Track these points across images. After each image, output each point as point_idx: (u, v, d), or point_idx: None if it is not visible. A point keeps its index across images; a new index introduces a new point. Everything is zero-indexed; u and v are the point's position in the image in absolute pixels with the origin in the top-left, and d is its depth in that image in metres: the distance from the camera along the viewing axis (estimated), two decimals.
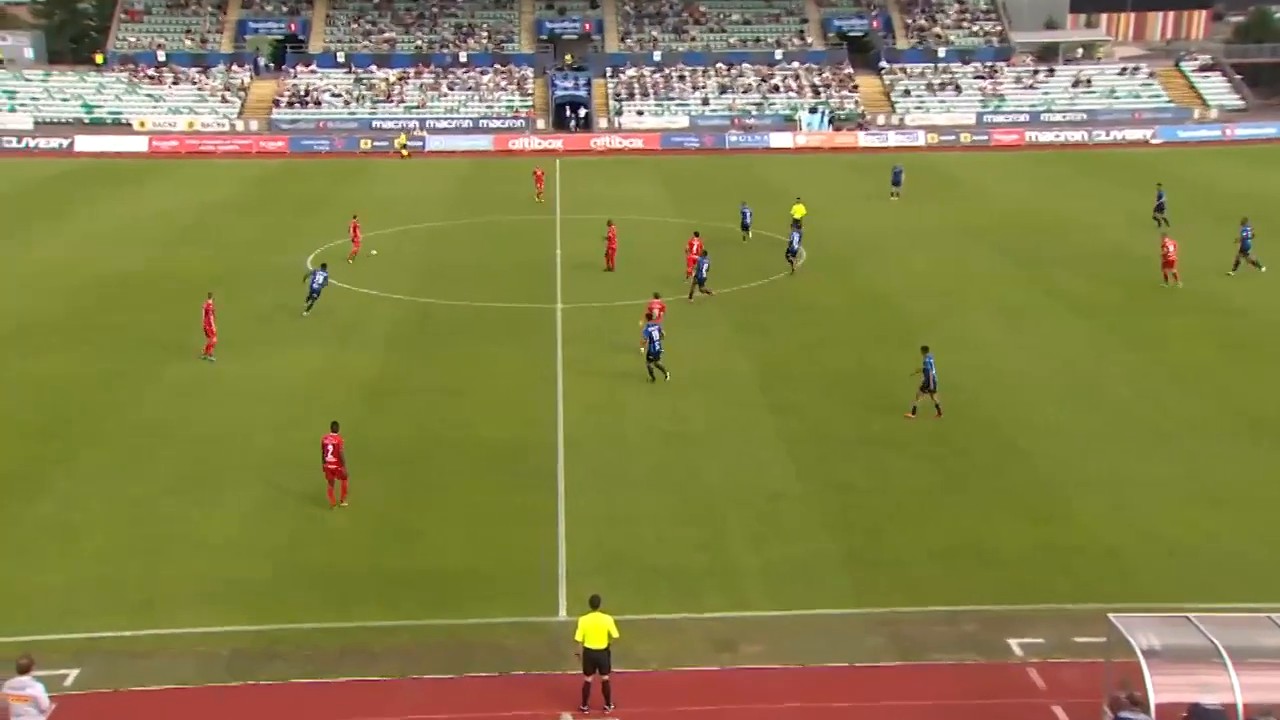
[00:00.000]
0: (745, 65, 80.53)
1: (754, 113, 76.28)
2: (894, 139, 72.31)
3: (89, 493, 19.72)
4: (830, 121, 74.58)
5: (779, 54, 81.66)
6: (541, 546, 18.06)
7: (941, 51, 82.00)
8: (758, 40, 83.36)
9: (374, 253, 39.05)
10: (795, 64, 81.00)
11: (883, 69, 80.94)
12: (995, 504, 19.53)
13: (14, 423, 22.95)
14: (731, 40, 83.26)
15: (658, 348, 25.63)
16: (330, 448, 19.41)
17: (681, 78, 79.40)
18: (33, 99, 74.00)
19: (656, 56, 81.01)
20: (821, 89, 78.81)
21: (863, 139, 72.32)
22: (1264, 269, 35.03)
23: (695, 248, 37.75)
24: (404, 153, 67.08)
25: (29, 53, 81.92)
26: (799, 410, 24.13)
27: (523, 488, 20.18)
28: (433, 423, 23.37)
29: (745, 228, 42.42)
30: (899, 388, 25.42)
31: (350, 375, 26.15)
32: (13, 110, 72.62)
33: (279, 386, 25.47)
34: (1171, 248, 34.16)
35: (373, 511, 19.25)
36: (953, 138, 72.39)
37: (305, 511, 19.14)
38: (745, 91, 78.41)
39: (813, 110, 75.83)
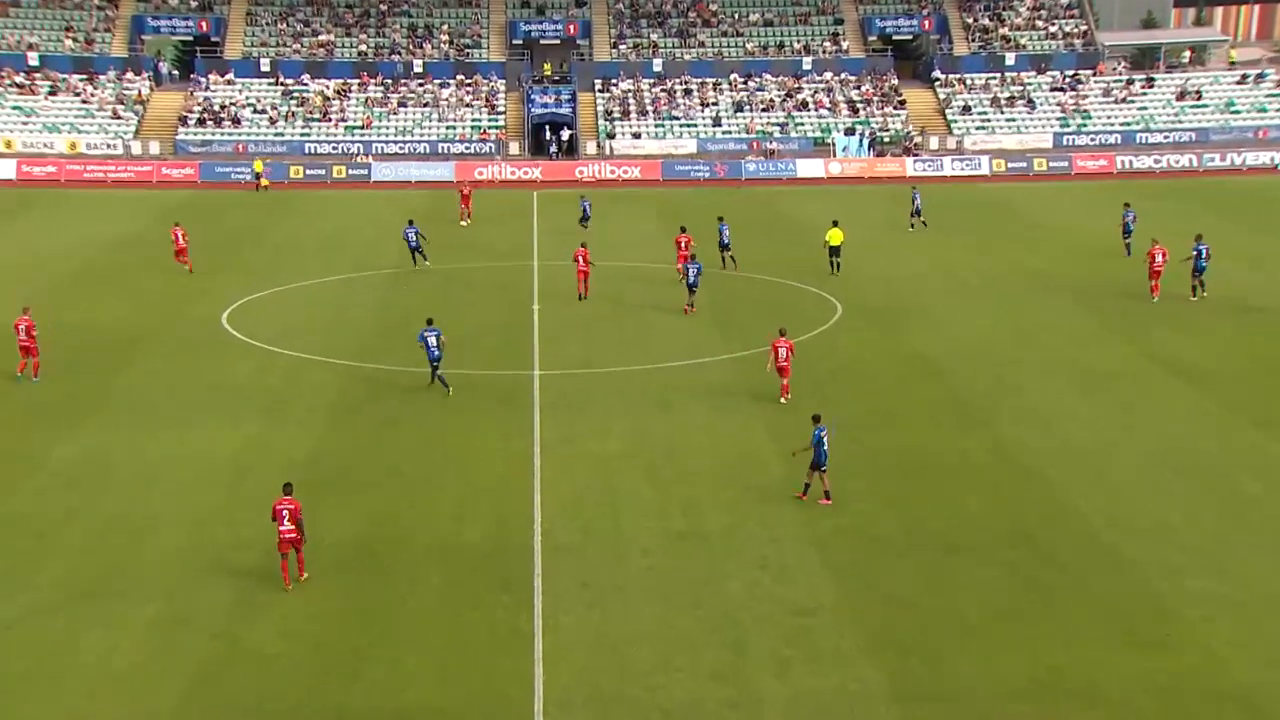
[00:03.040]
0: (766, 76, 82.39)
1: (777, 135, 77.89)
2: (950, 166, 73.81)
3: None
4: (871, 145, 76.15)
5: (808, 63, 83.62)
6: (515, 676, 18.34)
7: (1011, 58, 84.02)
8: (782, 46, 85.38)
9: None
10: (828, 75, 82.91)
11: (936, 80, 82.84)
12: (1089, 624, 19.78)
13: None
14: (749, 46, 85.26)
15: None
16: (286, 514, 20.29)
17: (688, 92, 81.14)
18: None
19: (657, 66, 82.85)
20: (860, 105, 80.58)
21: (911, 166, 73.78)
22: None
23: (686, 244, 42.91)
24: (263, 183, 67.68)
25: None
26: (836, 504, 24.51)
27: (493, 601, 20.48)
28: (383, 519, 23.75)
29: (724, 248, 45.35)
30: (962, 475, 25.91)
31: (282, 458, 26.61)
32: None
33: (191, 471, 25.90)
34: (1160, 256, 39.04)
35: (309, 631, 19.54)
36: (1023, 165, 73.92)
37: (219, 632, 19.43)
38: (766, 109, 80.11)
39: (849, 132, 77.48)
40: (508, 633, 19.56)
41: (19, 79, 78.11)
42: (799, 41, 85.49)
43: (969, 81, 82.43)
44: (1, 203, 61.06)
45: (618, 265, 47.07)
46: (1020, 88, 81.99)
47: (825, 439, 24.30)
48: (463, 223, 55.46)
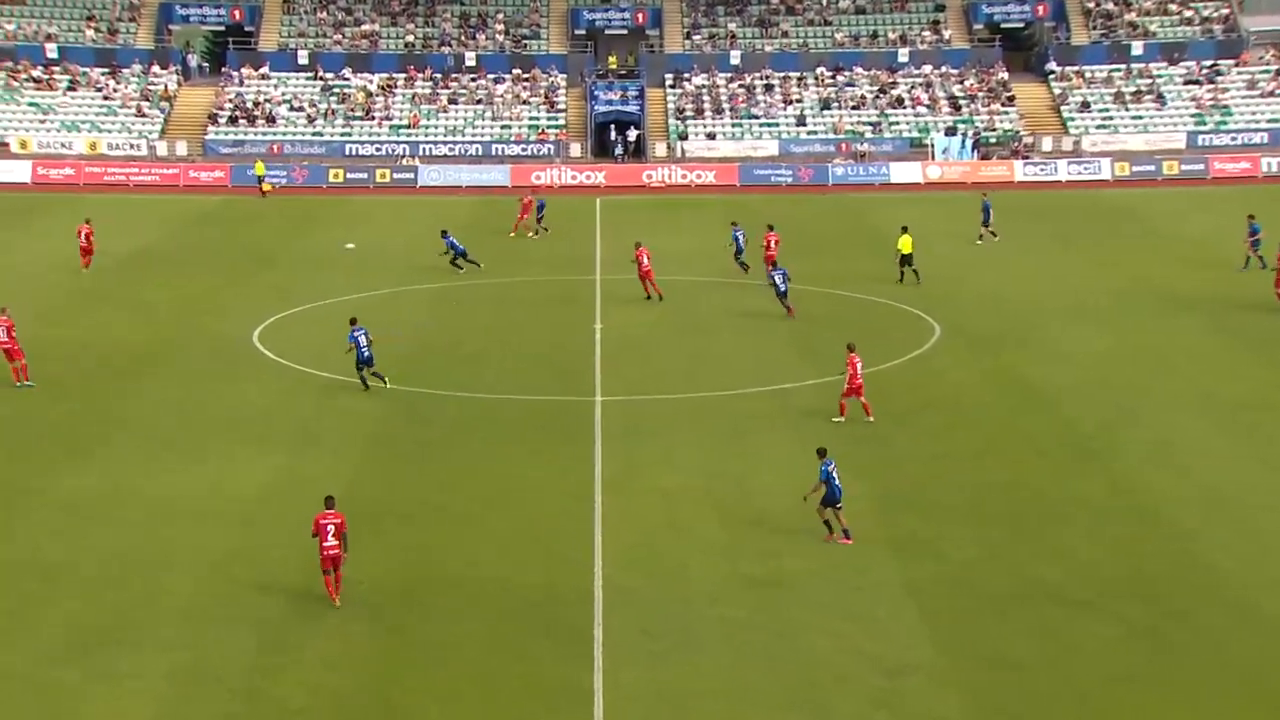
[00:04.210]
0: (858, 70, 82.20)
1: (868, 136, 77.61)
2: (1065, 170, 73.07)
3: None
4: (975, 147, 75.63)
5: (904, 55, 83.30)
6: None
7: (1138, 47, 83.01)
8: (875, 36, 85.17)
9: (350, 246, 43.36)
10: (927, 68, 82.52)
11: (1051, 74, 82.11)
12: (1221, 691, 19.41)
13: None
14: (839, 36, 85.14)
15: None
16: (331, 529, 21.13)
17: (769, 87, 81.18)
18: None
19: (735, 59, 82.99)
20: (964, 102, 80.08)
21: (1020, 170, 73.14)
22: None
23: (775, 243, 44.82)
24: (266, 187, 68.49)
25: None
26: (932, 549, 24.28)
27: (545, 653, 20.45)
28: (423, 559, 23.82)
29: (739, 254, 46.69)
30: (1078, 519, 25.51)
31: (312, 490, 26.57)
32: None
33: (213, 506, 26.13)
34: None
35: (338, 685, 19.59)
36: (1150, 168, 72.98)
37: (241, 685, 19.53)
38: (857, 106, 79.89)
39: (950, 132, 76.99)
40: (561, 688, 19.49)
41: (36, 73, 79.86)
42: (894, 31, 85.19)
43: (1089, 74, 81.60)
44: (14, 208, 62.43)
45: (688, 279, 47.07)
46: (1148, 81, 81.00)
47: (834, 473, 24.42)
48: (530, 235, 55.85)
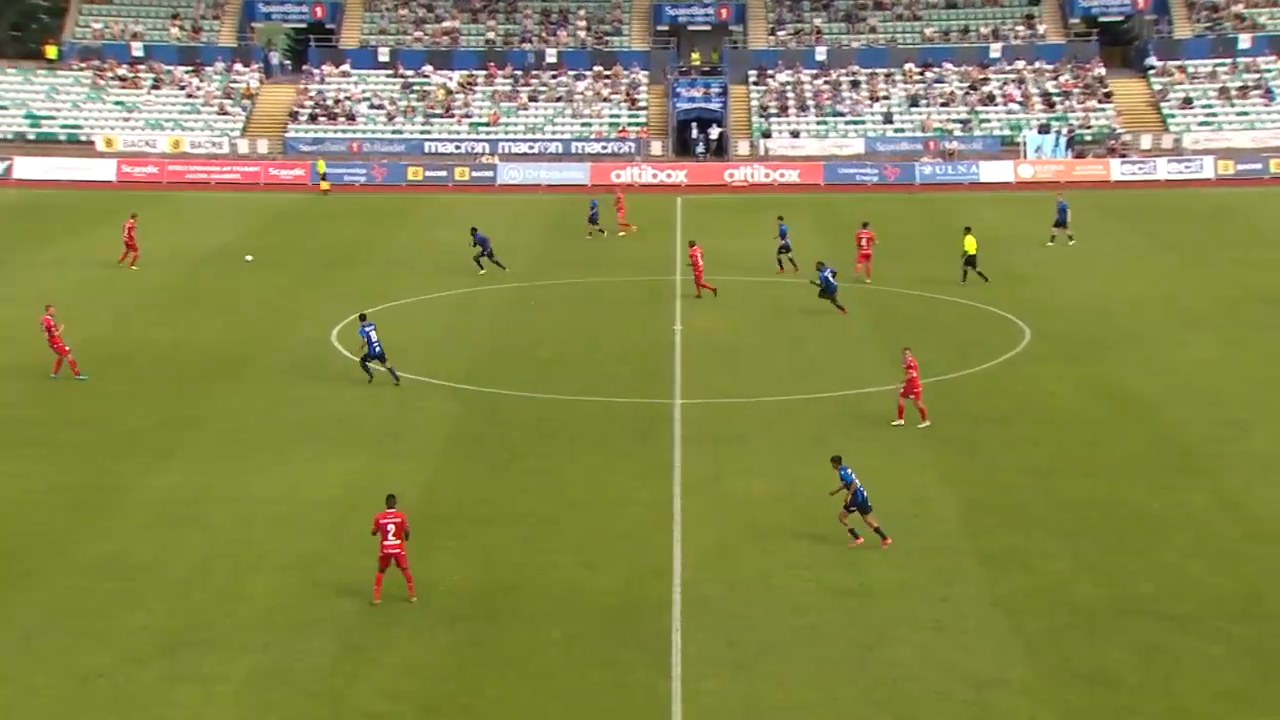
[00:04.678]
0: (947, 66, 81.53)
1: (958, 134, 76.92)
2: (1165, 169, 71.96)
3: (23, 661, 20.52)
4: (1069, 145, 74.67)
5: (996, 50, 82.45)
6: None
7: (1245, 40, 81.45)
8: (966, 31, 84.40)
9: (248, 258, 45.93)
10: (1020, 63, 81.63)
11: (1151, 69, 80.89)
12: None
13: None
14: (928, 31, 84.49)
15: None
16: (391, 528, 21.43)
17: (855, 84, 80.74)
18: None
19: (820, 55, 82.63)
20: (1058, 99, 79.11)
21: (1117, 169, 72.11)
22: None
23: (867, 242, 45.84)
24: (324, 185, 69.16)
25: None
26: (1022, 561, 24.02)
27: (625, 661, 20.49)
28: (502, 565, 23.96)
29: (784, 250, 47.11)
30: (1180, 532, 25.13)
31: (393, 494, 27.02)
32: None
33: (293, 508, 26.49)
34: None
35: (418, 691, 19.75)
36: (1257, 167, 71.71)
37: (321, 689, 19.75)
38: (946, 103, 79.24)
39: (1044, 129, 76.09)
40: (641, 697, 19.52)
41: (122, 71, 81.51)
42: (986, 25, 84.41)
43: (1191, 69, 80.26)
44: (98, 206, 63.58)
45: (770, 281, 46.95)
46: (1256, 75, 79.48)
47: (855, 477, 24.42)
48: (621, 233, 56.33)
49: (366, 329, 34.46)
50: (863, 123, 78.31)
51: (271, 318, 41.96)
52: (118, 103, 79.79)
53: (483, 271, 47.73)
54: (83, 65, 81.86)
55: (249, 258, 47.16)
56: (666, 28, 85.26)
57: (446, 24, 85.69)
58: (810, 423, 31.69)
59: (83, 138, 77.18)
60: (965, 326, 40.83)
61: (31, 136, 77.54)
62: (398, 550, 21.90)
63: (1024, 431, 31.15)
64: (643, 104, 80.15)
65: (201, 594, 22.75)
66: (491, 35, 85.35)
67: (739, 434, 30.84)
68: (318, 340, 39.13)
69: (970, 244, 45.38)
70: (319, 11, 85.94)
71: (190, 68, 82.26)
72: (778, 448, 29.98)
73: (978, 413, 32.48)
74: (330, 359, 37.26)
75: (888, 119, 78.20)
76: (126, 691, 19.64)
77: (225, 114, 79.40)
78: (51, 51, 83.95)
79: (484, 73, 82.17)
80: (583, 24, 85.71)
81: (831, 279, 40.96)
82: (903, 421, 31.16)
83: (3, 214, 60.80)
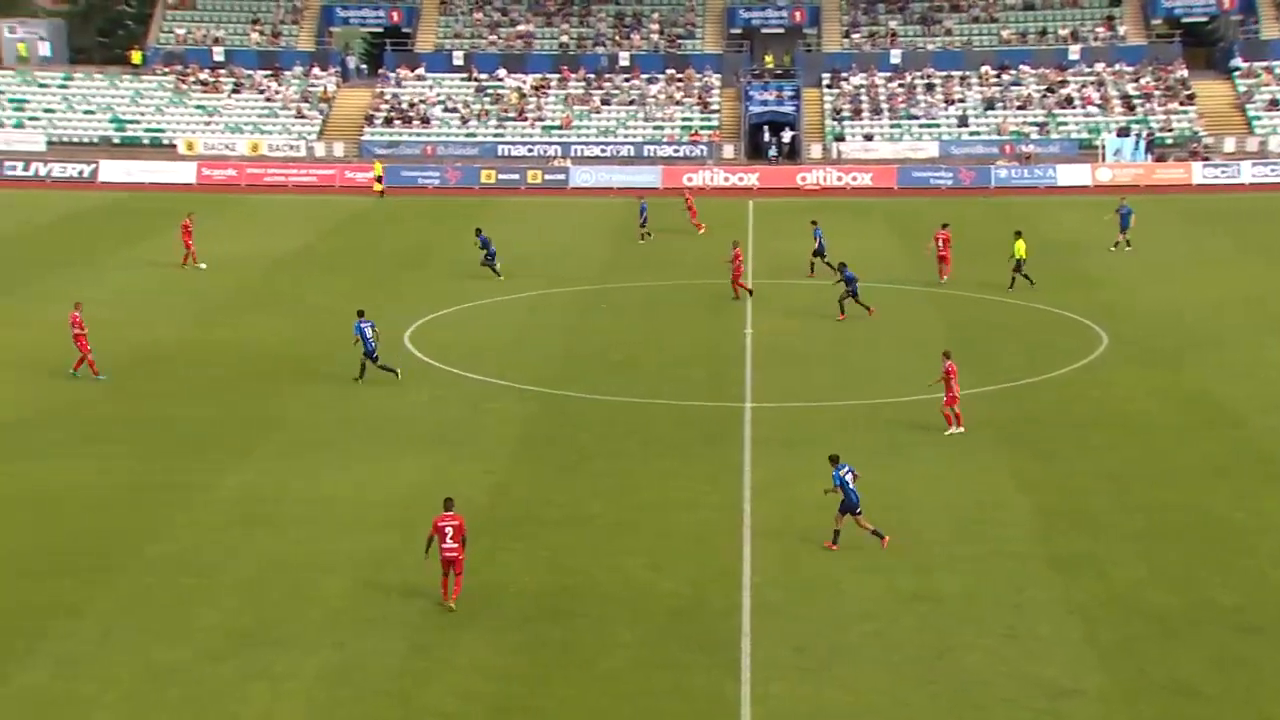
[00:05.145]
0: (1024, 68, 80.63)
1: (1034, 137, 76.05)
2: (1249, 173, 70.67)
3: (100, 655, 20.85)
4: (1149, 148, 73.58)
5: (1075, 52, 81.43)
6: None
7: None
8: (1044, 33, 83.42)
9: (202, 266, 47.31)
10: (1100, 65, 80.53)
11: (1236, 70, 79.46)
12: None
13: (2, 555, 24.48)
14: (1006, 34, 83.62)
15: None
16: (450, 531, 21.43)
17: (930, 87, 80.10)
18: (47, 111, 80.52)
19: (895, 58, 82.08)
20: (1138, 101, 77.96)
21: (1199, 173, 70.95)
22: None
23: (944, 243, 45.82)
24: (377, 188, 69.47)
25: (45, 49, 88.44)
26: (1099, 568, 23.72)
27: (693, 664, 20.45)
28: (571, 567, 24.00)
29: (819, 254, 47.02)
30: (1263, 542, 24.71)
31: (460, 495, 27.01)
32: (20, 126, 79.18)
33: (363, 509, 26.68)
34: None
35: (488, 692, 19.83)
36: None
37: (391, 689, 19.89)
38: (1023, 106, 78.36)
39: (1124, 132, 74.99)
40: (709, 701, 19.49)
41: (203, 75, 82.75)
42: (1066, 27, 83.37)
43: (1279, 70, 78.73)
44: (178, 209, 64.34)
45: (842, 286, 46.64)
46: None
47: (850, 479, 24.25)
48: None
49: (362, 325, 34.76)
50: (937, 126, 77.65)
51: (345, 319, 42.16)
52: (199, 106, 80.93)
53: (501, 278, 47.54)
54: (166, 70, 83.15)
55: (202, 265, 47.82)
56: (740, 31, 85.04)
57: (521, 28, 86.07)
58: (882, 427, 31.48)
59: (165, 141, 78.32)
60: (1040, 331, 40.37)
61: (116, 140, 78.79)
62: (456, 554, 21.86)
63: (1100, 437, 30.75)
64: (715, 107, 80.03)
65: (273, 592, 22.98)
66: (565, 39, 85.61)
67: (809, 438, 30.64)
68: (391, 341, 39.34)
69: (1020, 248, 44.82)
70: (395, 16, 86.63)
71: (269, 72, 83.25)
72: (848, 452, 29.61)
73: (1053, 418, 32.10)
74: (402, 360, 37.47)
75: (963, 122, 77.47)
76: (201, 687, 19.88)
77: (303, 117, 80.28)
78: (136, 57, 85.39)
79: (557, 76, 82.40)
80: (656, 27, 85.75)
81: (855, 280, 40.94)
82: (961, 429, 30.75)
83: (88, 216, 61.80)
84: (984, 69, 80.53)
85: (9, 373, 35.66)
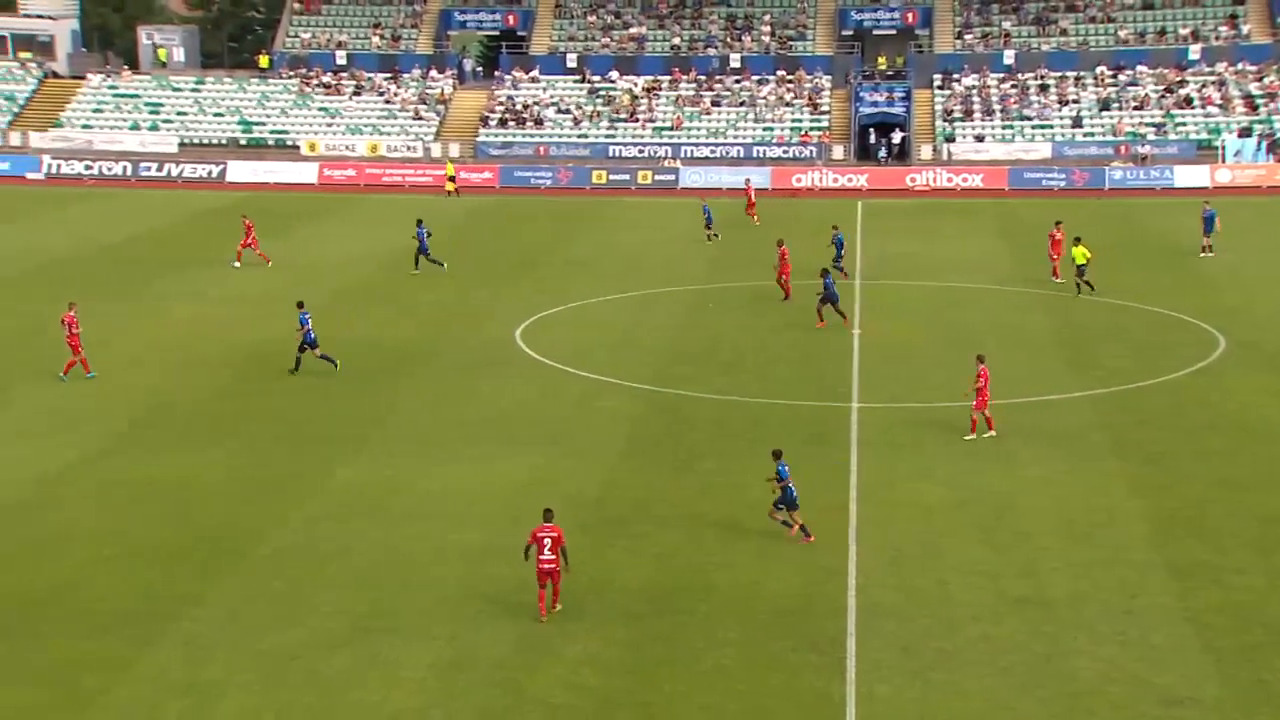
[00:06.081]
0: (1142, 68, 78.97)
1: (1151, 137, 74.44)
2: None
3: (222, 641, 21.25)
4: (1271, 149, 71.62)
5: (1196, 51, 79.54)
6: None
7: None
8: (1163, 32, 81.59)
9: (236, 265, 48.54)
10: (1221, 65, 78.55)
11: None
12: None
13: (130, 543, 25.09)
14: (1123, 34, 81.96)
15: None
16: (548, 542, 21.26)
17: (1044, 87, 78.78)
18: (180, 114, 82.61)
19: (1008, 59, 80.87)
20: (1261, 101, 75.88)
21: None
22: None
23: (1057, 239, 45.46)
24: (449, 187, 70.01)
25: (179, 54, 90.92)
26: (1215, 576, 23.16)
27: (799, 663, 20.34)
28: (678, 565, 23.98)
29: (838, 260, 46.17)
30: None
31: (569, 492, 27.28)
32: (155, 129, 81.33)
33: (473, 503, 26.90)
34: None
35: (596, 684, 19.89)
36: None
37: (502, 679, 20.02)
38: (1139, 106, 76.77)
39: (1245, 133, 73.13)
40: (814, 699, 19.37)
41: (326, 78, 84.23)
42: (1186, 26, 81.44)
43: None
44: (301, 208, 65.71)
45: (952, 286, 46.10)
46: None
47: (787, 475, 24.61)
48: (755, 221, 57.98)
49: (304, 316, 35.51)
50: (1050, 127, 76.33)
51: (457, 316, 42.72)
52: (321, 109, 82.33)
53: (416, 271, 48.48)
54: (291, 74, 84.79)
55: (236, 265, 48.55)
56: (851, 32, 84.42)
57: (633, 30, 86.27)
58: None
59: (289, 142, 79.85)
60: (1153, 333, 39.53)
61: (243, 141, 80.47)
62: (553, 565, 21.54)
63: (1218, 443, 30.01)
64: (825, 108, 79.52)
65: (387, 583, 23.26)
66: (677, 41, 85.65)
67: (916, 439, 30.34)
68: (502, 339, 39.71)
69: (1080, 254, 43.62)
70: (511, 19, 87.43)
71: (389, 75, 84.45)
72: (955, 454, 29.39)
73: (1169, 423, 31.40)
74: (514, 357, 37.77)
75: (1077, 123, 76.07)
76: (319, 673, 20.20)
77: (420, 119, 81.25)
78: (264, 61, 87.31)
79: (668, 78, 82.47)
80: (767, 29, 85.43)
81: (833, 287, 40.13)
82: (987, 431, 30.21)
83: (216, 215, 63.05)
84: (1100, 69, 79.01)
85: (140, 368, 36.53)
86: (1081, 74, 79.23)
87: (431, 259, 48.76)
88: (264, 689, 19.73)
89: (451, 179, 70.59)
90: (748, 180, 65.55)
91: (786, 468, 24.74)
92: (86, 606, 22.36)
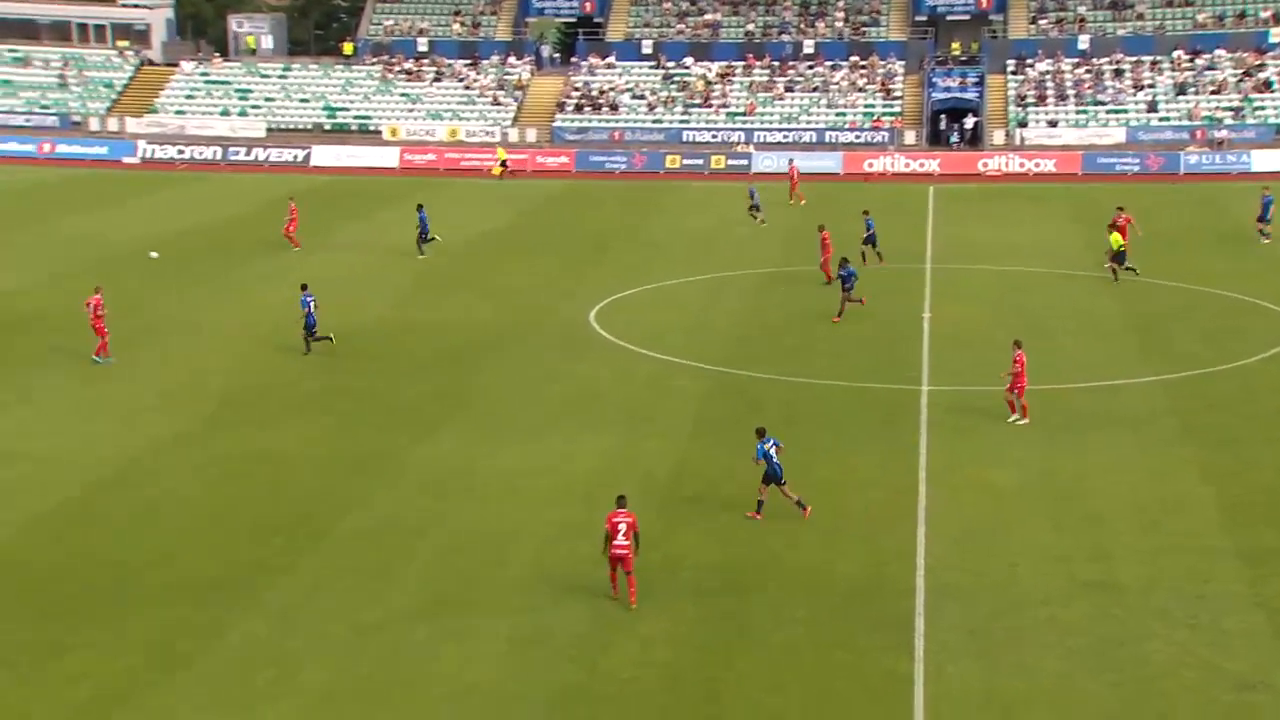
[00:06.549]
0: (1219, 52, 77.47)
1: (1228, 122, 73.04)
2: None
3: (311, 612, 21.57)
4: None
5: (1277, 34, 77.79)
6: None
7: None
8: (1242, 15, 79.96)
9: (153, 254, 47.63)
10: None
11: None
12: None
13: (223, 515, 25.54)
14: (1200, 18, 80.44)
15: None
16: (623, 527, 21.20)
17: (1118, 72, 77.54)
18: (268, 100, 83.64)
19: (1082, 44, 79.66)
20: None
21: None
22: None
23: (1125, 225, 43.81)
24: (496, 170, 70.21)
25: (268, 42, 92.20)
26: None
27: (867, 643, 20.31)
28: (747, 543, 23.99)
29: (870, 242, 45.58)
30: None
31: (644, 472, 27.39)
32: (244, 114, 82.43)
33: (550, 482, 27.04)
34: None
35: (668, 660, 19.98)
36: None
37: (576, 654, 20.16)
38: (1216, 91, 75.36)
39: None
40: (882, 678, 19.32)
41: (407, 65, 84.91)
42: (1267, 9, 79.67)
43: None
44: (383, 192, 66.27)
45: (1024, 270, 45.65)
46: None
47: (773, 452, 24.55)
48: (793, 203, 58.53)
49: (307, 299, 35.83)
50: (1125, 111, 75.15)
51: (535, 299, 42.92)
52: (403, 94, 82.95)
53: (422, 256, 48.73)
54: (374, 60, 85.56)
55: (153, 254, 48.34)
56: (924, 18, 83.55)
57: (708, 17, 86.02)
58: (1060, 413, 30.67)
59: (371, 127, 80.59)
60: (1227, 318, 38.88)
61: (328, 127, 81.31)
62: (626, 552, 21.40)
63: None
64: (898, 94, 78.83)
65: (466, 559, 23.49)
66: (751, 27, 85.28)
67: (985, 423, 30.09)
68: (578, 321, 39.87)
69: (1115, 240, 42.99)
70: (588, 6, 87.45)
71: (469, 61, 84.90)
72: (1025, 437, 29.12)
73: (1242, 409, 30.89)
74: (588, 339, 37.91)
75: (1152, 107, 74.82)
76: (400, 645, 20.45)
77: (498, 104, 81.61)
78: (348, 48, 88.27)
79: (742, 64, 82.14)
80: (841, 15, 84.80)
81: (853, 273, 39.44)
82: (1021, 418, 29.88)
83: (301, 200, 63.62)
84: (1176, 53, 77.61)
85: (232, 347, 37.08)
86: (1158, 58, 77.87)
87: (423, 242, 49.26)
88: (347, 659, 20.03)
89: (503, 163, 71.03)
90: (791, 162, 65.37)
91: (768, 444, 24.74)
92: (181, 575, 22.81)
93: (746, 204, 55.88)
